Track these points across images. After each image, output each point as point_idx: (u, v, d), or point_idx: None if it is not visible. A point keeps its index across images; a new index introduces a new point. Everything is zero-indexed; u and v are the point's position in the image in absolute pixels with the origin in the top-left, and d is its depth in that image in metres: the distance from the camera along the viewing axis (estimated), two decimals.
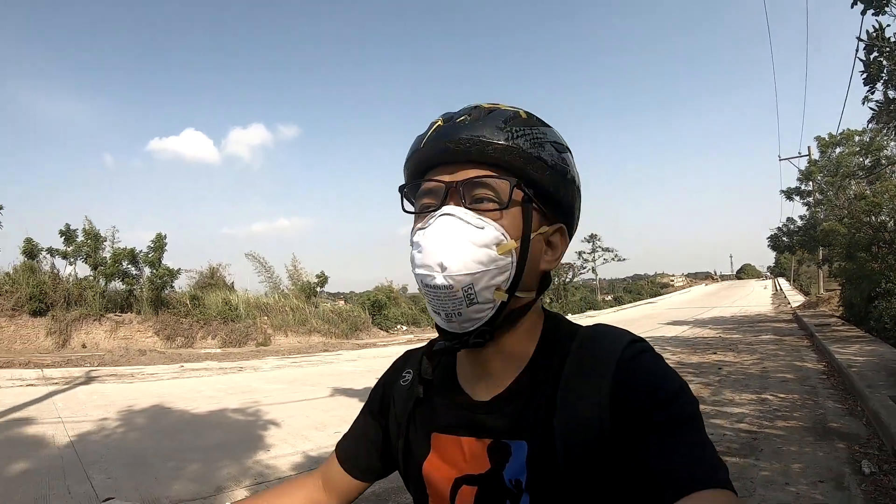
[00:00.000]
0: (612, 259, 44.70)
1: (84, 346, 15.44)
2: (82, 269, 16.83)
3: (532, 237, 0.72)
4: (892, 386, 5.95)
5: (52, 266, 16.50)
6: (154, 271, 16.86)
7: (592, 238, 44.71)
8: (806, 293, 31.88)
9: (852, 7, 7.98)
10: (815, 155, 19.35)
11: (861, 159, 15.28)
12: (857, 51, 8.66)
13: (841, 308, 16.46)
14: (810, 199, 19.07)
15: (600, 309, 35.45)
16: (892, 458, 4.07)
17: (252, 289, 21.85)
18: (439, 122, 0.75)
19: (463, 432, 0.76)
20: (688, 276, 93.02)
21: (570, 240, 0.81)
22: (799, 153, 25.66)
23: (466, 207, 0.70)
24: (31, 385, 8.64)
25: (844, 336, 10.96)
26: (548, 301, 35.62)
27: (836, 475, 3.87)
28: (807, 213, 19.78)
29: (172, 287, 17.65)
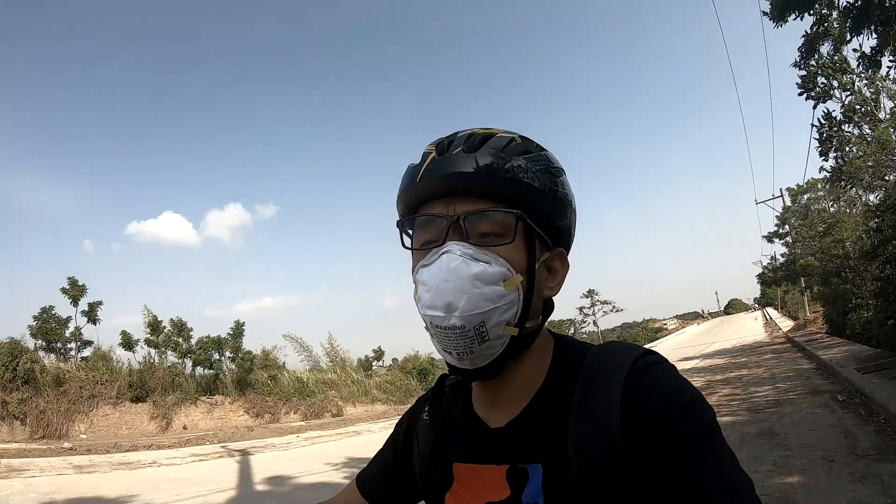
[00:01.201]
0: (611, 311, 48.94)
1: (185, 427, 17.56)
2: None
3: (536, 267, 0.73)
4: (857, 364, 9.62)
5: (149, 355, 18.78)
6: (236, 356, 19.77)
7: (591, 293, 49.02)
8: (794, 318, 35.90)
9: (802, 97, 11.99)
10: (788, 201, 23.71)
11: (825, 204, 19.54)
12: (811, 132, 12.75)
13: (825, 325, 20.32)
14: (788, 239, 23.36)
15: None
16: (853, 395, 7.68)
17: (293, 367, 23.76)
18: (434, 154, 0.74)
19: (482, 460, 0.77)
20: (678, 317, 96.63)
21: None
22: (773, 195, 29.98)
23: (470, 243, 0.70)
24: (205, 459, 11.80)
25: (828, 345, 14.74)
26: None
27: (825, 405, 7.50)
28: (787, 251, 24.10)
29: (253, 369, 20.31)
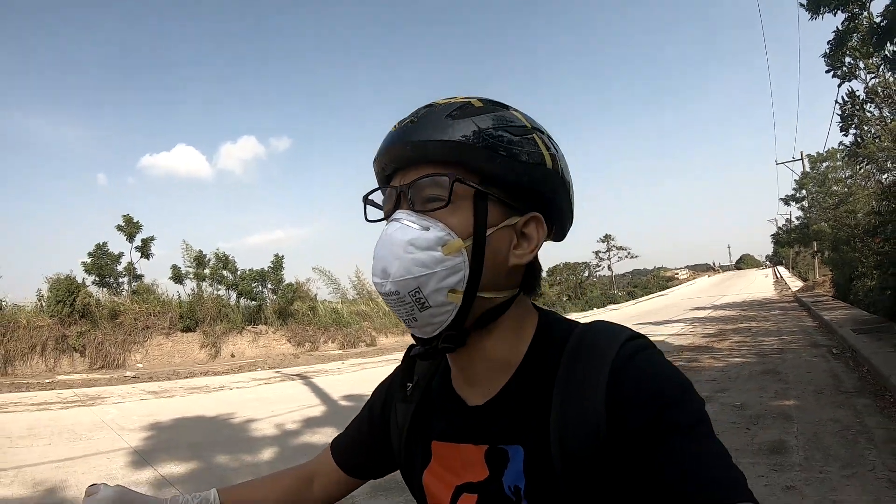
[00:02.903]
0: (626, 257, 50.75)
1: (233, 355, 19.32)
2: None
3: (491, 233, 0.71)
4: (854, 326, 11.21)
5: (198, 287, 20.59)
6: (277, 287, 21.53)
7: (607, 238, 50.77)
8: (804, 279, 37.62)
9: (830, 75, 13.17)
10: (807, 166, 25.06)
11: (843, 173, 20.91)
12: (833, 111, 13.99)
13: (832, 289, 21.95)
14: (804, 203, 24.78)
15: (620, 302, 40.72)
16: (846, 350, 9.27)
17: (322, 299, 25.30)
18: (394, 127, 0.75)
19: (460, 439, 0.77)
20: (689, 268, 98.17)
21: (557, 228, 0.81)
22: (793, 157, 31.30)
23: (413, 210, 0.71)
24: (269, 382, 13.38)
25: (831, 307, 16.33)
26: (566, 298, 41.21)
27: (822, 356, 9.11)
28: (802, 215, 25.60)
29: (297, 299, 22.22)
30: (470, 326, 0.73)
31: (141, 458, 6.18)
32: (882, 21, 9.43)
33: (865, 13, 10.32)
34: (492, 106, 0.74)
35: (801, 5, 11.05)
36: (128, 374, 15.27)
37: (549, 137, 0.76)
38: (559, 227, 0.81)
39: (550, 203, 0.76)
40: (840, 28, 10.92)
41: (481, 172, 0.70)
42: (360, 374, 13.15)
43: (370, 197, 0.81)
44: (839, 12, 10.55)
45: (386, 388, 0.97)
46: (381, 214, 0.79)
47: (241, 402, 9.91)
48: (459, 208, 0.70)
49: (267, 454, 6.11)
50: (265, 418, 8.04)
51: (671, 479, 0.58)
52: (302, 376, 13.30)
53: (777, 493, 3.69)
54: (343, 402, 9.21)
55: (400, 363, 0.88)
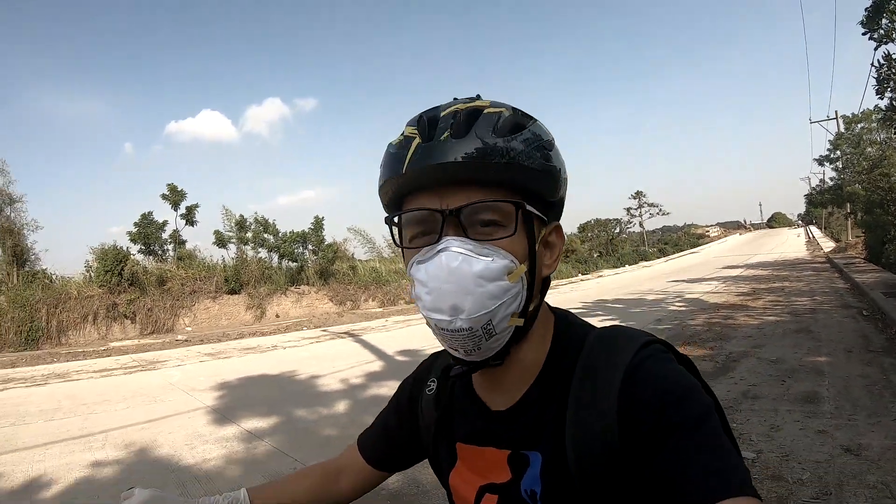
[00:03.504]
0: (658, 213, 50.90)
1: (277, 315, 20.17)
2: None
3: (536, 249, 0.74)
4: (884, 289, 11.64)
5: (240, 251, 21.43)
6: (318, 248, 22.37)
7: (639, 194, 50.89)
8: (836, 240, 37.60)
9: (865, 35, 13.32)
10: (842, 127, 25.04)
11: (878, 135, 20.98)
12: (869, 73, 14.18)
13: (864, 251, 22.18)
14: (838, 164, 24.85)
15: (651, 259, 41.03)
16: (876, 312, 9.75)
17: (358, 258, 26.06)
18: (417, 139, 0.71)
19: (484, 442, 0.81)
20: (720, 225, 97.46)
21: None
22: (828, 116, 31.09)
23: (469, 237, 0.69)
24: (318, 341, 13.49)
25: (863, 269, 16.69)
26: (597, 255, 41.62)
27: (852, 317, 9.60)
28: (835, 176, 25.70)
29: (338, 259, 23.01)
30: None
31: (221, 415, 6.54)
32: None
33: None
34: (523, 117, 0.73)
35: None
36: (179, 337, 16.07)
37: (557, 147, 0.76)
38: None
39: (562, 208, 0.80)
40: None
41: (528, 192, 0.71)
42: (407, 331, 13.64)
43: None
44: None
45: (410, 385, 1.01)
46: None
47: (298, 360, 10.44)
48: (517, 234, 0.70)
49: (341, 406, 6.62)
50: (328, 374, 8.56)
51: (674, 473, 0.60)
52: (350, 334, 13.90)
53: (811, 435, 4.28)
54: (400, 358, 9.65)
55: (420, 365, 0.95)
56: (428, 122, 0.72)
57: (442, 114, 0.72)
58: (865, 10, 11.51)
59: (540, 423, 0.75)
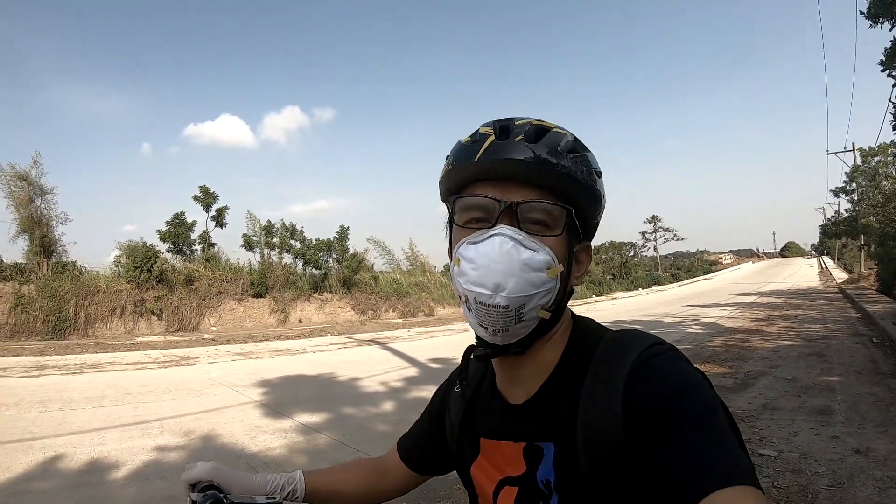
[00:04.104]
0: (672, 238, 51.58)
1: (300, 321, 20.79)
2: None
3: (572, 256, 0.82)
4: (894, 318, 12.23)
5: (267, 255, 22.20)
6: (342, 257, 23.08)
7: (654, 219, 51.66)
8: (849, 271, 38.09)
9: (884, 73, 13.97)
10: (858, 160, 25.71)
11: (893, 169, 21.66)
12: (886, 109, 14.82)
13: (877, 283, 22.75)
14: (854, 196, 25.50)
15: (664, 284, 41.58)
16: (885, 340, 10.34)
17: (377, 269, 26.64)
18: (493, 138, 0.79)
19: (502, 436, 0.87)
20: (733, 252, 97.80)
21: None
22: (844, 148, 31.69)
23: (521, 229, 0.76)
24: (346, 347, 13.97)
25: (875, 300, 17.28)
26: (610, 277, 42.30)
27: (863, 343, 10.19)
28: (851, 208, 26.37)
29: (361, 270, 23.70)
30: (539, 335, 0.81)
31: (272, 410, 6.83)
32: None
33: None
34: (585, 147, 0.82)
35: (861, 13, 11.92)
36: (206, 336, 16.67)
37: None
38: None
39: (595, 232, 0.88)
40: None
41: (578, 207, 0.80)
42: (432, 342, 14.09)
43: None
44: None
45: (442, 392, 1.08)
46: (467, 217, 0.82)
47: (332, 363, 10.90)
48: (562, 236, 0.79)
49: (388, 406, 7.06)
50: (367, 377, 8.99)
51: (678, 463, 0.63)
52: (376, 342, 14.35)
53: (825, 439, 4.90)
54: (433, 365, 10.13)
55: (460, 363, 0.97)
56: (503, 127, 0.80)
57: (516, 122, 0.81)
58: (885, 49, 12.17)
59: (554, 416, 0.80)
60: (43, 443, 5.58)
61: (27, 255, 18.25)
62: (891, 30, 11.49)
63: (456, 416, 0.98)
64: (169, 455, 5.22)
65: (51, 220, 18.89)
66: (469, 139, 0.83)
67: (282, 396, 7.74)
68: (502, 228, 0.76)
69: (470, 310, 0.79)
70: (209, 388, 8.37)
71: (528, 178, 0.77)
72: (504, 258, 0.74)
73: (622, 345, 0.79)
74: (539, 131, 0.79)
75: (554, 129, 0.80)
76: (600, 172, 0.83)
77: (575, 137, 0.82)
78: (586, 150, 0.82)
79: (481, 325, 0.79)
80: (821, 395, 6.45)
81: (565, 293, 0.82)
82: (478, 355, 0.86)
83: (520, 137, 0.78)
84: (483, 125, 0.83)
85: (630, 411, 0.70)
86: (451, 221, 0.86)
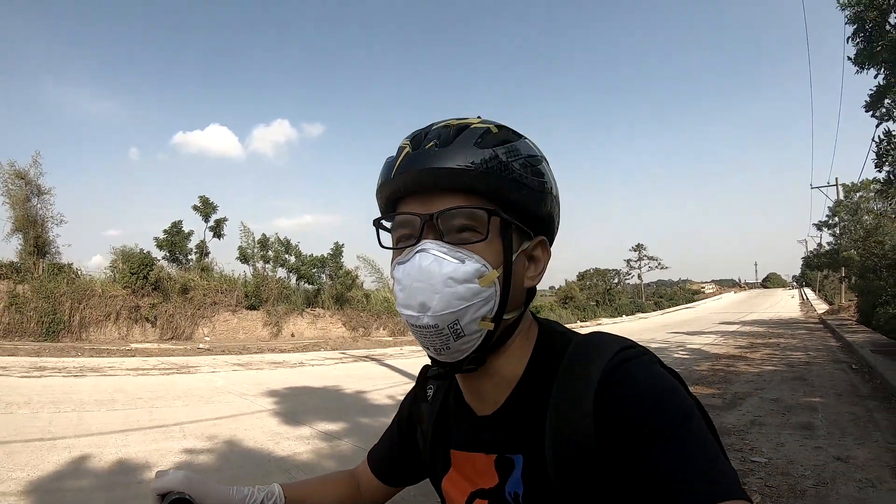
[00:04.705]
0: (656, 267, 52.64)
1: (293, 335, 21.15)
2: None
3: (514, 260, 0.77)
4: (872, 347, 12.92)
5: (262, 269, 22.56)
6: (335, 274, 23.51)
7: (639, 247, 52.76)
8: (830, 302, 39.16)
9: (868, 113, 14.79)
10: (841, 194, 26.79)
11: (875, 203, 22.67)
12: (870, 147, 15.70)
13: (856, 314, 23.62)
14: (836, 230, 26.54)
15: (648, 311, 42.39)
16: (864, 366, 10.99)
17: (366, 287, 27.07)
18: (408, 149, 0.77)
19: (473, 448, 0.85)
20: (715, 282, 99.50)
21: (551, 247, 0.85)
22: (828, 182, 32.81)
23: (444, 241, 0.74)
24: (342, 361, 14.68)
25: (854, 330, 18.03)
26: (594, 303, 43.07)
27: (842, 369, 10.83)
28: (832, 241, 27.47)
29: (354, 287, 24.18)
30: (490, 348, 0.78)
31: (289, 418, 6.96)
32: None
33: None
34: (513, 133, 0.78)
35: (849, 58, 12.76)
36: (201, 346, 16.89)
37: (548, 162, 0.82)
38: (551, 243, 0.87)
39: (551, 226, 0.84)
40: (881, 84, 12.56)
41: (506, 202, 0.75)
42: (425, 360, 14.29)
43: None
44: (882, 69, 12.22)
45: (410, 401, 1.07)
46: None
47: (333, 376, 11.14)
48: (490, 240, 0.74)
49: None
50: (372, 391, 9.26)
51: (661, 478, 0.61)
52: (371, 358, 14.68)
53: (809, 449, 5.47)
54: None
55: (415, 383, 0.97)
56: (419, 135, 0.78)
57: (434, 127, 0.78)
58: (869, 91, 12.98)
59: (522, 427, 0.78)
60: (66, 442, 5.69)
61: (20, 255, 18.25)
62: (875, 77, 12.28)
63: (427, 426, 0.97)
64: (199, 457, 5.40)
65: (46, 220, 18.94)
66: (392, 155, 0.80)
67: (294, 406, 7.94)
68: (425, 243, 0.74)
69: (412, 332, 0.78)
70: (218, 396, 8.58)
71: (444, 185, 0.74)
72: (424, 275, 0.72)
73: (591, 349, 0.77)
74: (456, 131, 0.77)
75: (473, 126, 0.77)
76: (539, 157, 0.79)
77: (501, 127, 0.79)
78: (516, 137, 0.79)
79: (424, 347, 0.78)
80: (804, 413, 7.03)
81: (510, 300, 0.77)
82: (431, 375, 0.85)
83: (432, 143, 0.76)
84: (405, 137, 0.81)
85: (602, 420, 0.68)
86: (383, 242, 0.83)
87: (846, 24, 12.43)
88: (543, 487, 0.73)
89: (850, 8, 11.92)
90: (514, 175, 0.75)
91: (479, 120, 0.80)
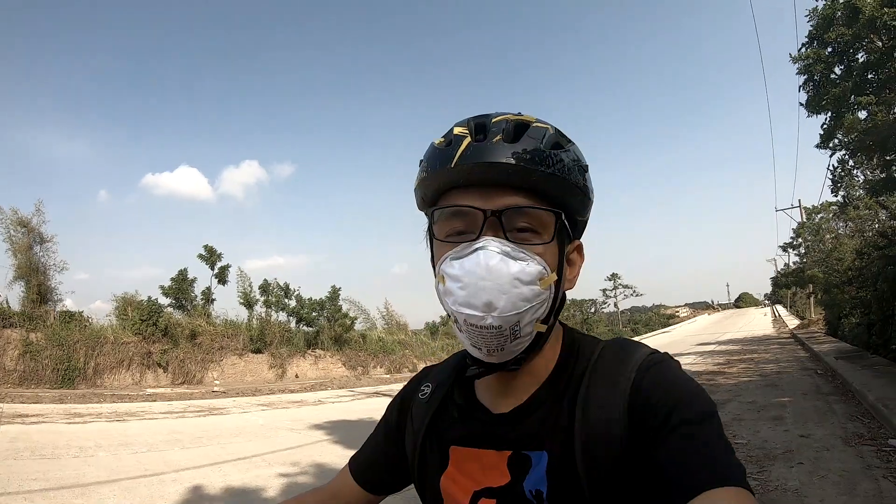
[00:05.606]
0: (632, 295, 54.64)
1: (297, 376, 22.09)
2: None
3: (563, 263, 0.78)
4: (836, 354, 14.61)
5: (266, 313, 23.60)
6: (333, 316, 24.71)
7: (614, 276, 54.78)
8: (801, 317, 41.29)
9: (819, 148, 16.80)
10: (804, 217, 29.09)
11: (834, 224, 24.90)
12: (825, 176, 17.79)
13: (825, 326, 25.56)
14: (801, 250, 28.76)
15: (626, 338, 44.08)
16: (828, 371, 12.63)
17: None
18: (469, 139, 0.75)
19: (481, 445, 0.83)
20: (688, 306, 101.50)
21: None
22: (791, 205, 35.17)
23: (507, 239, 0.72)
24: (357, 398, 15.50)
25: (822, 341, 19.87)
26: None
27: (809, 375, 12.51)
28: (798, 260, 29.71)
29: (353, 329, 25.36)
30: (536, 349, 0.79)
31: (350, 446, 7.14)
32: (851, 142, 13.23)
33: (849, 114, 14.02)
34: (567, 139, 0.79)
35: (801, 104, 14.85)
36: (215, 389, 17.54)
37: None
38: None
39: (583, 230, 0.85)
40: (829, 125, 14.59)
41: (565, 205, 0.76)
42: None
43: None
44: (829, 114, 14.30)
45: (401, 399, 1.03)
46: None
47: (361, 410, 11.90)
48: (552, 242, 0.75)
49: None
50: None
51: (677, 462, 0.65)
52: (381, 394, 15.65)
53: (779, 433, 7.02)
54: None
55: (415, 376, 1.00)
56: (479, 126, 0.76)
57: (493, 120, 0.76)
58: (821, 129, 15.01)
59: (547, 423, 0.78)
60: (171, 476, 6.10)
61: (23, 303, 18.58)
62: (822, 124, 14.38)
63: (420, 422, 0.94)
64: (298, 479, 5.92)
65: (49, 268, 19.41)
66: (442, 141, 0.79)
67: (345, 435, 8.38)
68: (487, 241, 0.72)
69: (461, 330, 0.76)
70: (270, 432, 9.05)
71: (511, 182, 0.73)
72: (492, 274, 0.70)
73: (622, 351, 0.80)
74: (518, 127, 0.75)
75: (535, 124, 0.77)
76: (587, 166, 0.80)
77: (557, 130, 0.79)
78: (570, 142, 0.79)
79: (475, 346, 0.76)
80: (774, 410, 8.61)
81: (558, 302, 0.79)
82: (469, 374, 0.83)
83: (498, 137, 0.74)
84: (457, 124, 0.79)
85: (636, 416, 0.71)
86: (430, 234, 0.81)
87: (796, 73, 14.51)
88: (570, 484, 0.74)
89: (801, 61, 14.01)
90: (574, 180, 0.76)
91: (534, 118, 0.79)
